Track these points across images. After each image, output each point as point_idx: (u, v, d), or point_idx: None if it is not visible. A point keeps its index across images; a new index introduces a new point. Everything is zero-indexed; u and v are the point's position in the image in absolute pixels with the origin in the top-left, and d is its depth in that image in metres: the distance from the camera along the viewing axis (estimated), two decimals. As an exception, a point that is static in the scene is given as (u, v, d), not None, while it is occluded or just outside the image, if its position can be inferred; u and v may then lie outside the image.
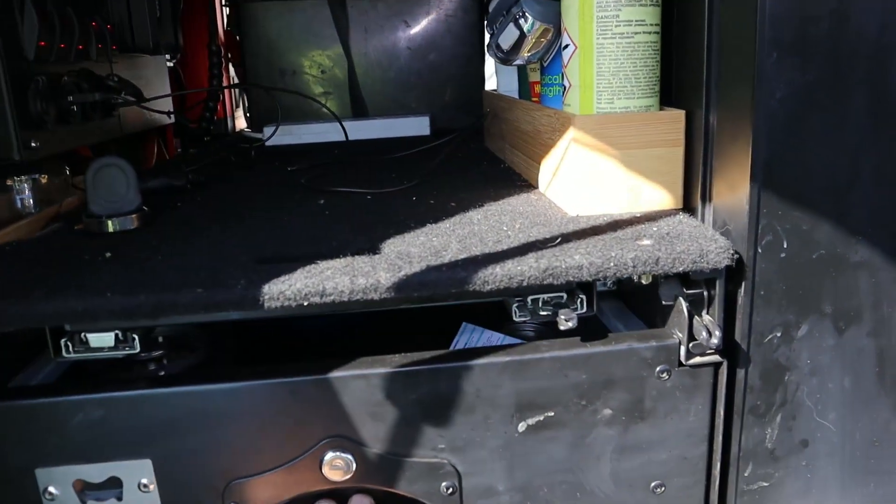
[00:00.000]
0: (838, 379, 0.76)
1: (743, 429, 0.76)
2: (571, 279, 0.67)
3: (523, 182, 1.00)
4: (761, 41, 0.65)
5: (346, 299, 0.65)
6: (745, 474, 0.78)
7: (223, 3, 1.71)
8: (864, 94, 0.67)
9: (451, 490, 0.72)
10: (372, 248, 0.73)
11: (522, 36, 0.81)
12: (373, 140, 1.46)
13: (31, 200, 1.01)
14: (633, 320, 0.87)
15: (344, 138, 1.37)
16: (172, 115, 1.44)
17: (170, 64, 1.53)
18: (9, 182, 0.99)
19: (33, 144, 0.92)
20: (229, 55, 1.74)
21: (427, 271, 0.66)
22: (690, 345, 0.71)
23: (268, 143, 1.44)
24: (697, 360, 0.72)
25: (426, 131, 1.49)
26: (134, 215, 0.85)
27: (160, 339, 0.83)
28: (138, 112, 1.26)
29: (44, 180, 1.02)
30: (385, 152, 1.28)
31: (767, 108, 0.66)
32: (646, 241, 0.70)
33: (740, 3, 0.67)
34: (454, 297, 0.70)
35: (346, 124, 1.41)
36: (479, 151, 1.30)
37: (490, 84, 1.63)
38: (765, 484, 0.79)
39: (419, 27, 1.59)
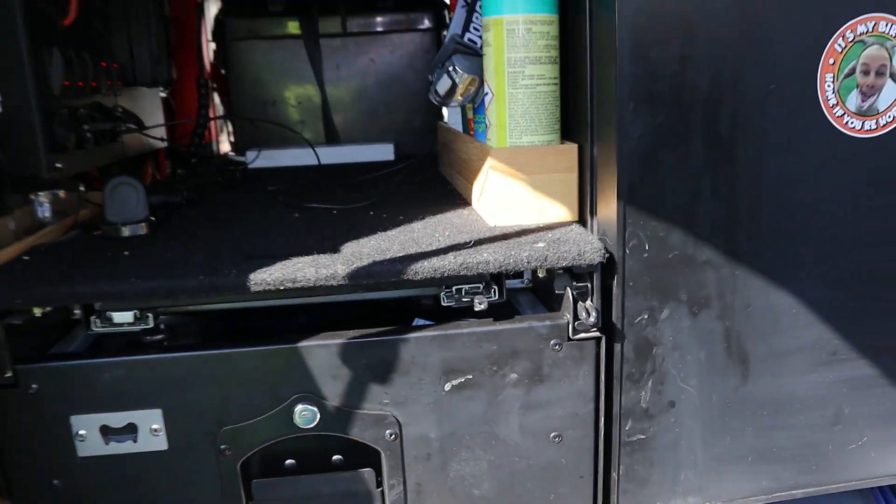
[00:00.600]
0: (695, 353, 1.01)
1: (622, 392, 1.01)
2: (482, 272, 0.92)
3: (461, 200, 1.26)
4: (621, 95, 0.91)
5: (311, 285, 0.90)
6: (626, 428, 1.03)
7: (209, 39, 1.96)
8: (700, 133, 0.94)
9: (393, 437, 0.96)
10: (333, 249, 0.98)
11: (454, 85, 1.07)
12: (343, 164, 1.71)
13: (50, 212, 1.24)
14: (541, 308, 1.12)
15: (317, 162, 1.62)
16: (166, 140, 1.69)
17: (163, 94, 1.77)
18: (32, 196, 1.22)
19: (58, 165, 1.16)
20: (215, 86, 1.99)
21: (373, 265, 0.91)
22: (575, 323, 0.96)
23: (250, 166, 1.69)
24: (582, 335, 0.97)
25: (390, 156, 1.74)
26: (143, 223, 1.09)
27: (161, 325, 1.07)
28: (138, 137, 1.51)
29: (62, 195, 1.25)
30: (352, 175, 1.54)
31: (628, 144, 0.92)
32: (540, 244, 0.95)
33: (608, 65, 0.93)
34: (394, 285, 0.94)
35: (320, 150, 1.66)
36: (433, 175, 1.55)
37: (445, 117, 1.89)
38: (642, 436, 1.04)
39: (384, 64, 1.85)
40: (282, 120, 1.84)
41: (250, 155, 1.69)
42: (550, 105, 1.04)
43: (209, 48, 2.00)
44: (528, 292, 1.17)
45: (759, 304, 1.01)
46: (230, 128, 2.03)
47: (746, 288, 1.00)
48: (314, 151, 1.56)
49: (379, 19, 1.84)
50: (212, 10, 1.99)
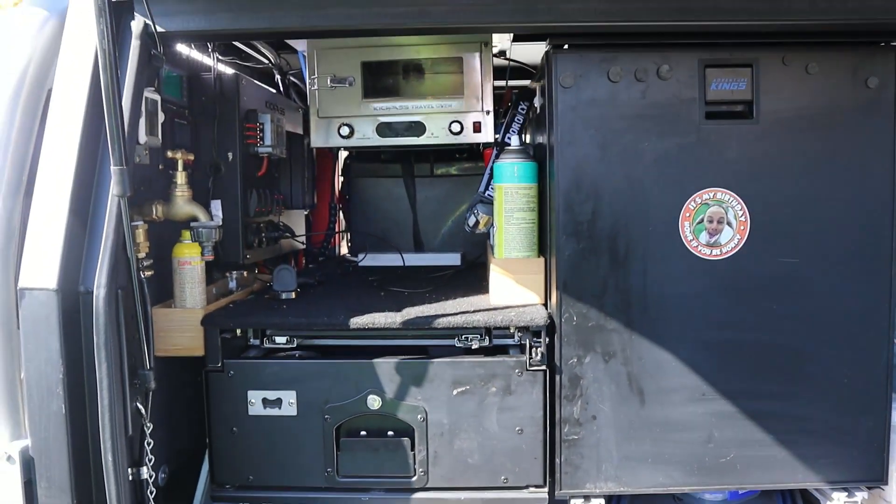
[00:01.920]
0: (608, 385, 1.77)
1: (561, 406, 1.77)
2: (478, 327, 1.74)
3: (484, 289, 2.09)
4: (559, 231, 1.73)
5: (381, 327, 1.75)
6: (564, 430, 1.78)
7: (340, 175, 2.95)
8: (605, 254, 1.74)
9: (422, 420, 1.77)
10: (398, 310, 1.84)
11: (477, 221, 1.93)
12: (423, 265, 2.59)
13: (236, 284, 2.18)
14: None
15: (403, 263, 2.50)
16: (304, 244, 2.65)
17: (305, 213, 2.76)
18: (227, 274, 2.16)
19: (248, 257, 2.10)
20: (341, 206, 2.96)
21: (416, 319, 1.76)
22: (530, 360, 1.75)
23: (360, 264, 2.61)
24: (534, 368, 1.76)
25: (458, 262, 2.60)
26: (294, 292, 2.00)
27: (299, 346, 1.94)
28: (289, 242, 2.46)
29: (245, 274, 2.20)
30: (429, 272, 2.42)
31: (563, 259, 1.74)
32: (512, 314, 1.77)
33: (554, 214, 1.76)
34: (429, 333, 1.78)
35: (408, 255, 2.55)
36: (479, 274, 2.39)
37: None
38: (575, 437, 1.78)
39: (458, 196, 2.75)
40: (384, 233, 2.76)
41: (360, 256, 2.62)
42: (530, 234, 1.87)
43: (339, 181, 2.99)
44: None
45: (649, 357, 1.75)
46: (349, 237, 2.97)
47: (639, 346, 1.75)
48: (401, 256, 2.46)
49: (455, 167, 2.77)
50: (342, 154, 2.99)
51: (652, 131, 1.72)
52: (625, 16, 1.62)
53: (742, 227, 1.73)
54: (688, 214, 1.72)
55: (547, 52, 1.74)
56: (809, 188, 1.74)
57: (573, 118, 1.71)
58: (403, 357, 1.77)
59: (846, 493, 1.81)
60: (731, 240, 1.73)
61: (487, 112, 2.13)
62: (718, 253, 1.74)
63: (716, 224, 1.73)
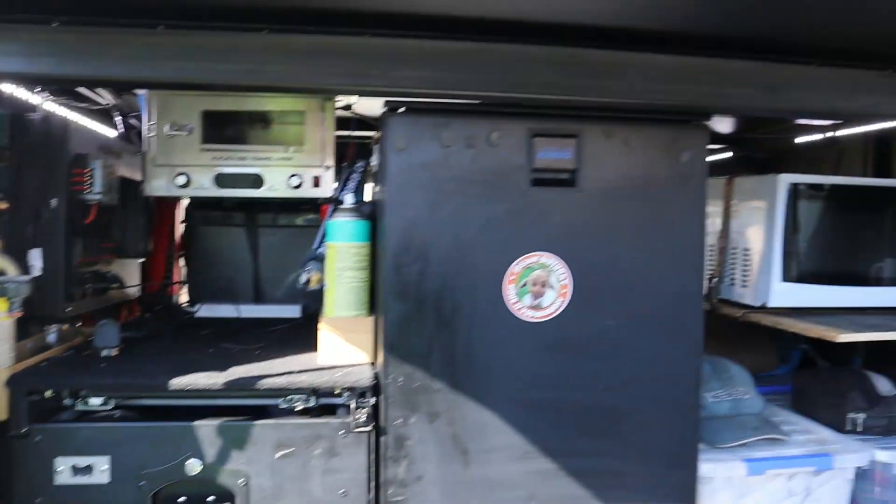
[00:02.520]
0: (433, 446, 1.81)
1: (387, 467, 1.80)
2: (302, 388, 1.75)
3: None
4: (387, 292, 1.78)
5: (202, 389, 1.72)
6: (389, 492, 1.80)
7: (182, 221, 2.89)
8: (431, 315, 1.79)
9: (244, 484, 1.75)
10: (223, 370, 1.82)
11: (309, 279, 1.95)
12: (263, 317, 2.57)
13: (56, 338, 2.09)
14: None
15: (238, 315, 2.48)
16: (138, 294, 2.57)
17: (140, 261, 2.68)
18: (45, 327, 2.07)
19: (68, 310, 2.02)
20: (182, 254, 2.89)
21: (241, 380, 1.74)
22: (354, 422, 1.77)
23: (197, 315, 2.56)
24: (359, 430, 1.78)
25: (297, 314, 2.60)
26: (115, 349, 1.94)
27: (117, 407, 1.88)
28: (121, 292, 2.38)
29: (65, 328, 2.11)
30: (267, 325, 2.40)
31: (390, 320, 1.78)
32: (338, 374, 1.79)
33: (382, 274, 1.80)
34: (252, 394, 1.77)
35: (248, 306, 2.52)
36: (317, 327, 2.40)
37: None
38: (400, 498, 1.81)
39: (300, 249, 2.75)
40: (226, 283, 2.73)
41: (197, 307, 2.56)
42: (361, 293, 1.91)
43: (179, 228, 2.92)
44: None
45: (473, 417, 1.81)
46: (187, 286, 2.91)
47: (464, 407, 1.81)
48: (237, 308, 2.44)
49: (299, 218, 2.78)
50: (185, 200, 2.93)
51: (481, 196, 1.80)
52: (457, 86, 1.69)
53: (564, 290, 1.83)
54: (512, 277, 1.81)
55: (383, 114, 1.79)
56: (628, 253, 1.87)
57: (404, 180, 1.77)
58: (225, 419, 1.75)
59: (661, 546, 1.93)
60: (554, 302, 1.83)
61: (328, 167, 2.16)
62: (541, 315, 1.83)
63: (539, 287, 1.82)
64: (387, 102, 1.76)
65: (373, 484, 1.80)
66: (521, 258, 1.81)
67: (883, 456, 2.15)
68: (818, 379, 2.51)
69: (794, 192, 2.33)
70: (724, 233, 2.52)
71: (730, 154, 3.48)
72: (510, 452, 1.83)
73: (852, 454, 2.11)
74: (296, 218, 2.73)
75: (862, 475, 2.18)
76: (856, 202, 2.48)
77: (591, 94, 1.74)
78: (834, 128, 2.91)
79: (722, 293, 2.52)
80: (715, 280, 2.53)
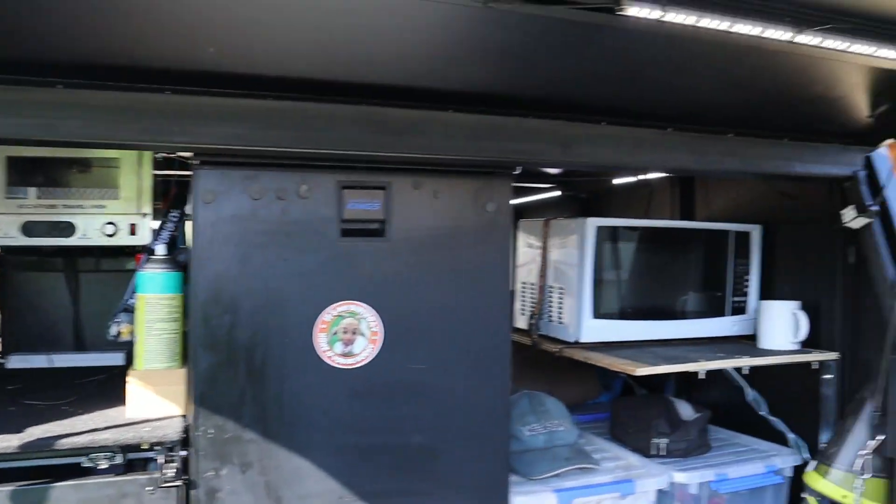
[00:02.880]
0: (246, 496, 1.81)
1: (197, 522, 1.79)
2: (105, 446, 1.72)
3: (135, 399, 2.06)
4: (195, 343, 1.78)
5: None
6: (202, 546, 1.80)
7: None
8: (243, 366, 1.81)
9: (43, 549, 1.69)
10: (21, 428, 1.75)
11: (119, 331, 1.92)
12: (84, 366, 2.49)
13: None
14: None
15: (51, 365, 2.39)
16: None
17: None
18: None
19: None
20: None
21: (38, 441, 1.69)
22: (163, 477, 1.75)
23: (8, 366, 2.44)
24: (168, 484, 1.76)
25: (121, 362, 2.53)
26: None
27: None
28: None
29: None
30: (85, 375, 2.32)
31: (199, 371, 1.78)
32: (146, 429, 1.77)
33: (192, 327, 1.80)
34: (54, 453, 1.72)
35: (69, 356, 2.44)
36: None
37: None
38: (213, 551, 1.81)
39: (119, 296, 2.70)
40: (45, 332, 2.62)
41: (8, 358, 2.46)
42: (172, 345, 1.90)
43: None
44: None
45: (287, 465, 1.84)
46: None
47: (277, 455, 1.83)
48: (52, 360, 2.36)
49: (125, 262, 2.72)
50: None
51: (291, 247, 1.84)
52: (261, 142, 1.73)
53: (375, 337, 1.89)
54: (323, 326, 1.86)
55: (192, 166, 1.81)
56: (437, 299, 1.96)
57: (213, 233, 1.78)
58: (20, 483, 1.69)
59: (474, 578, 2.01)
60: (365, 349, 1.89)
61: (145, 214, 2.14)
62: (353, 362, 1.88)
63: (350, 335, 1.88)
64: (195, 156, 1.77)
65: (183, 539, 1.78)
66: (331, 307, 1.86)
67: (680, 477, 2.34)
68: (629, 406, 2.70)
69: (600, 233, 2.50)
70: (543, 272, 2.67)
71: (558, 193, 3.69)
72: (325, 498, 1.87)
73: (652, 478, 2.28)
74: (120, 262, 2.67)
75: (664, 496, 2.36)
76: (660, 242, 2.70)
77: (395, 149, 1.83)
78: (644, 171, 3.15)
79: (542, 329, 2.67)
80: (535, 317, 2.67)
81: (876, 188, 2.34)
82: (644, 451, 2.50)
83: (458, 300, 1.97)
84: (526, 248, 2.83)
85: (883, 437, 2.27)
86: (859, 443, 2.31)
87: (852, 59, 1.79)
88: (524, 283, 2.81)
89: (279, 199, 1.82)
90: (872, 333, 2.36)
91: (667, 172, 2.70)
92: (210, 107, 1.64)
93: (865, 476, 2.27)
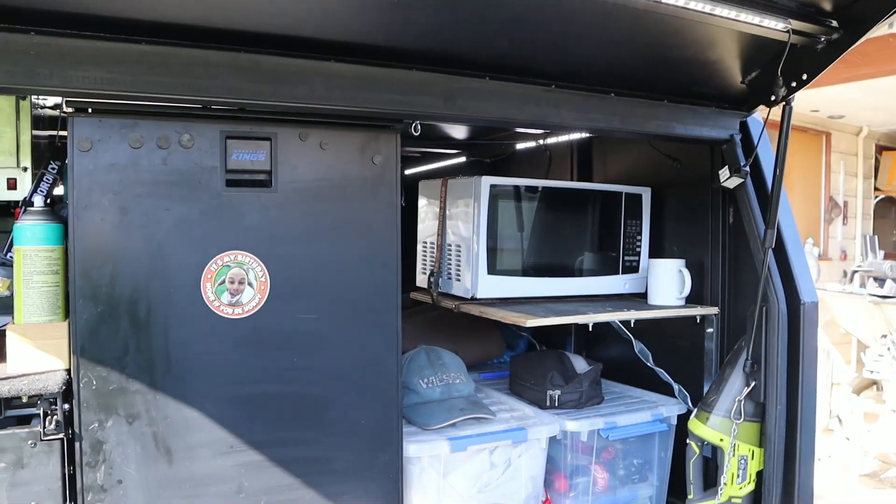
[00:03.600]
0: (133, 447, 1.81)
1: (83, 474, 1.77)
2: None
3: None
4: (74, 295, 1.76)
5: None
6: (88, 498, 1.78)
7: None
8: (126, 316, 1.79)
9: (-85, 505, 1.66)
10: None
11: None
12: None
13: None
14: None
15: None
16: None
17: None
18: None
19: None
20: None
21: None
22: (44, 430, 1.73)
23: None
24: (50, 437, 1.74)
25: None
26: None
27: None
28: None
29: None
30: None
31: (80, 323, 1.76)
32: (23, 382, 1.74)
33: (71, 277, 1.78)
34: None
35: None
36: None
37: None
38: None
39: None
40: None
41: None
42: (54, 298, 1.87)
43: None
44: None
45: (175, 416, 1.84)
46: None
47: (165, 406, 1.83)
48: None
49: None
50: None
51: (174, 197, 1.83)
52: (138, 88, 1.71)
53: (262, 287, 1.91)
54: (209, 276, 1.86)
55: (67, 114, 1.78)
56: (325, 251, 1.98)
57: (91, 182, 1.76)
58: None
59: (368, 526, 2.05)
60: (253, 299, 1.90)
61: (25, 168, 2.09)
62: (240, 312, 1.89)
63: (237, 285, 1.89)
64: (68, 102, 1.74)
65: (69, 492, 1.76)
66: (217, 257, 1.87)
67: (572, 426, 2.43)
68: (526, 362, 2.78)
69: (495, 192, 2.56)
70: (441, 230, 2.72)
71: (463, 159, 3.75)
72: (215, 447, 1.88)
73: (544, 426, 2.37)
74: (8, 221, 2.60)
75: (556, 444, 2.45)
76: (555, 203, 2.78)
77: (275, 98, 1.83)
78: (545, 136, 3.24)
79: (441, 287, 2.72)
80: (435, 275, 2.72)
81: (749, 151, 2.47)
82: (539, 403, 2.59)
83: (346, 252, 2.00)
84: (426, 207, 2.87)
85: (754, 384, 2.40)
86: (735, 390, 2.45)
87: (719, 22, 1.89)
88: (424, 242, 2.86)
89: (160, 147, 1.82)
90: (749, 289, 2.50)
91: (550, 129, 2.78)
92: (79, 49, 1.62)
93: (740, 421, 2.41)
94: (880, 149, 9.66)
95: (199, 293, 1.85)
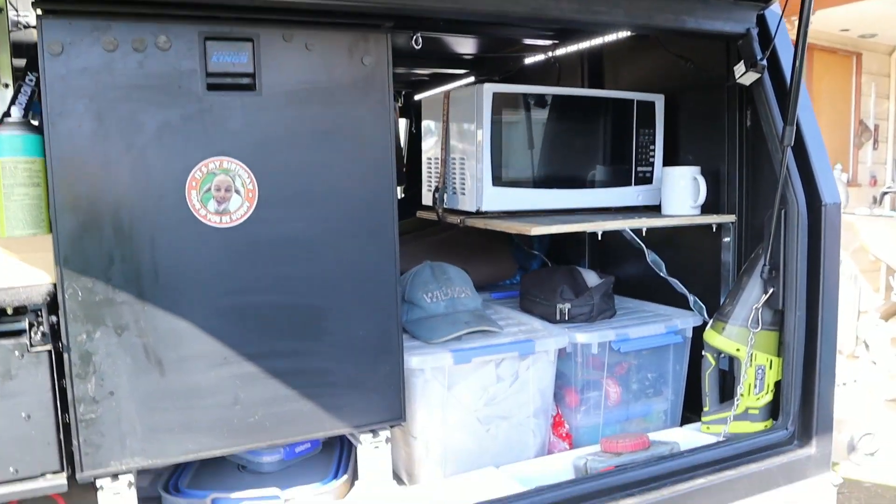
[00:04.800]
0: (123, 359, 1.76)
1: (73, 386, 1.73)
2: None
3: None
4: (54, 205, 1.68)
5: None
6: (80, 410, 1.74)
7: None
8: (109, 226, 1.72)
9: None
10: None
11: None
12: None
13: None
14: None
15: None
16: None
17: None
18: None
19: None
20: None
21: None
22: (31, 342, 1.68)
23: None
24: (38, 349, 1.69)
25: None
26: None
27: None
28: None
29: None
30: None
31: (63, 234, 1.69)
32: (5, 295, 1.68)
33: (52, 191, 1.70)
34: None
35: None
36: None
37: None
38: (93, 415, 1.75)
39: None
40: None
41: None
42: (36, 210, 1.80)
43: None
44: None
45: (165, 327, 1.78)
46: None
47: (154, 317, 1.77)
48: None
49: None
50: None
51: (152, 101, 1.74)
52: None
53: (250, 195, 1.82)
54: (194, 184, 1.78)
55: (37, 17, 1.68)
56: (316, 157, 1.89)
57: (64, 88, 1.68)
58: None
59: (372, 434, 2.00)
60: (241, 207, 1.82)
61: (6, 85, 2.01)
62: (228, 220, 1.81)
63: (223, 192, 1.80)
64: (35, 4, 1.65)
65: (60, 404, 1.72)
66: (201, 164, 1.78)
67: (582, 338, 2.34)
68: (537, 277, 2.69)
69: (499, 101, 2.43)
70: (445, 144, 2.61)
71: (472, 79, 3.60)
72: (208, 359, 1.82)
73: (552, 338, 2.28)
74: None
75: (568, 359, 2.37)
76: (563, 112, 2.64)
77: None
78: (553, 48, 3.08)
79: (447, 203, 2.62)
80: (439, 191, 2.62)
81: (767, 44, 2.30)
82: (549, 318, 2.50)
83: (337, 156, 1.91)
84: (430, 125, 2.75)
85: (773, 290, 2.28)
86: (753, 298, 2.33)
87: None
88: (429, 158, 2.75)
89: (136, 50, 1.72)
90: (768, 196, 2.36)
91: (550, 24, 2.62)
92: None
93: (757, 329, 2.30)
94: (914, 69, 9.25)
95: (184, 201, 1.77)
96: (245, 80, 1.82)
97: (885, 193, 6.53)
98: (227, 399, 1.85)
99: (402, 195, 4.22)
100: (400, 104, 4.43)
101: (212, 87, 1.79)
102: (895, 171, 9.02)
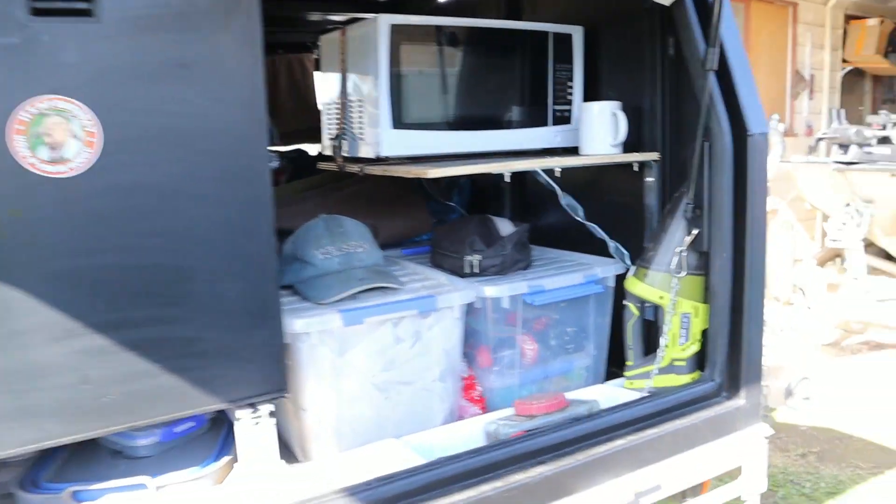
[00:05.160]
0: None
1: None
2: None
3: None
4: None
5: None
6: None
7: None
8: None
9: None
10: None
11: None
12: None
13: None
14: None
15: None
16: None
17: None
18: None
19: None
20: None
21: None
22: None
23: None
24: None
25: None
26: None
27: None
28: None
29: None
30: None
31: None
32: None
33: None
34: None
35: None
36: None
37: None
38: None
39: None
40: None
41: None
42: None
43: None
44: None
45: (-9, 297, 1.51)
46: None
47: (-26, 286, 1.50)
48: None
49: None
50: None
51: (-41, 27, 1.45)
52: None
53: (92, 140, 1.56)
54: (21, 127, 1.50)
55: None
56: (171, 93, 1.62)
57: None
58: None
59: (251, 409, 1.77)
60: (80, 154, 1.55)
61: None
62: (66, 170, 1.54)
63: (57, 137, 1.53)
64: None
65: None
66: (27, 103, 1.50)
67: (490, 291, 2.14)
68: (448, 230, 2.47)
69: (398, 34, 2.19)
70: (343, 87, 2.35)
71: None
72: (47, 332, 1.56)
73: (457, 293, 2.08)
74: None
75: (478, 315, 2.17)
76: (470, 46, 2.41)
77: None
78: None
79: (347, 151, 2.38)
80: (338, 138, 2.37)
81: (688, -42, 2.10)
82: (458, 272, 2.29)
83: (195, 93, 1.64)
84: (326, 67, 2.50)
85: (697, 231, 2.11)
86: (676, 241, 2.16)
87: None
88: (327, 104, 2.50)
89: (-64, -35, 1.42)
90: (693, 131, 2.17)
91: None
92: None
93: (681, 274, 2.13)
94: (849, 18, 9.21)
95: (7, 149, 1.49)
96: (80, 4, 1.54)
97: (820, 140, 6.47)
98: (73, 378, 1.59)
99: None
100: (316, 56, 4.15)
101: (38, 12, 1.50)
102: (829, 120, 9.02)
